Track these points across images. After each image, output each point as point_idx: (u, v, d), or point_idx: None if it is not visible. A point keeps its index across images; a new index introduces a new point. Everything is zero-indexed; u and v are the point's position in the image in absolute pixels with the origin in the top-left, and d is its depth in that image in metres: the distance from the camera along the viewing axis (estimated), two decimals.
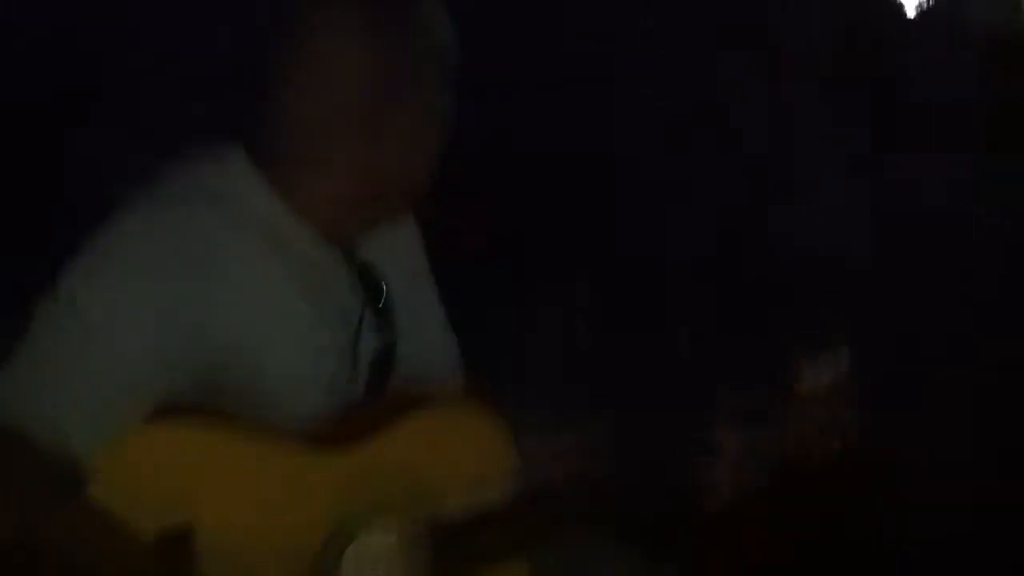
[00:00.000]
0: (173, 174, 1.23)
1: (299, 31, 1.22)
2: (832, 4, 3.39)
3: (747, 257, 3.03)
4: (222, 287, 1.16)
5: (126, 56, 2.88)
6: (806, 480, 1.42)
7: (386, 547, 1.22)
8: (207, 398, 1.18)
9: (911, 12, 3.43)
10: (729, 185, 3.10)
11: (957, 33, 3.44)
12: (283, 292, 1.21)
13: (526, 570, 1.30)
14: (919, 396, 2.67)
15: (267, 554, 1.18)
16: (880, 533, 2.54)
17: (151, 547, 1.13)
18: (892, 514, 2.58)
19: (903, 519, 2.58)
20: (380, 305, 1.32)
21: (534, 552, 1.30)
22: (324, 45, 1.20)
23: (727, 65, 3.19)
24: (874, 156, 3.20)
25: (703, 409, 1.34)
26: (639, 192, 3.09)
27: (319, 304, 1.25)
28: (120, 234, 1.16)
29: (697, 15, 3.29)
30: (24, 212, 2.67)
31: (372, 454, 1.23)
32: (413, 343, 1.36)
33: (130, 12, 2.88)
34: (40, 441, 1.09)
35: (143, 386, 1.13)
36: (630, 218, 3.05)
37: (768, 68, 3.24)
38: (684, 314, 2.94)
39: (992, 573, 2.51)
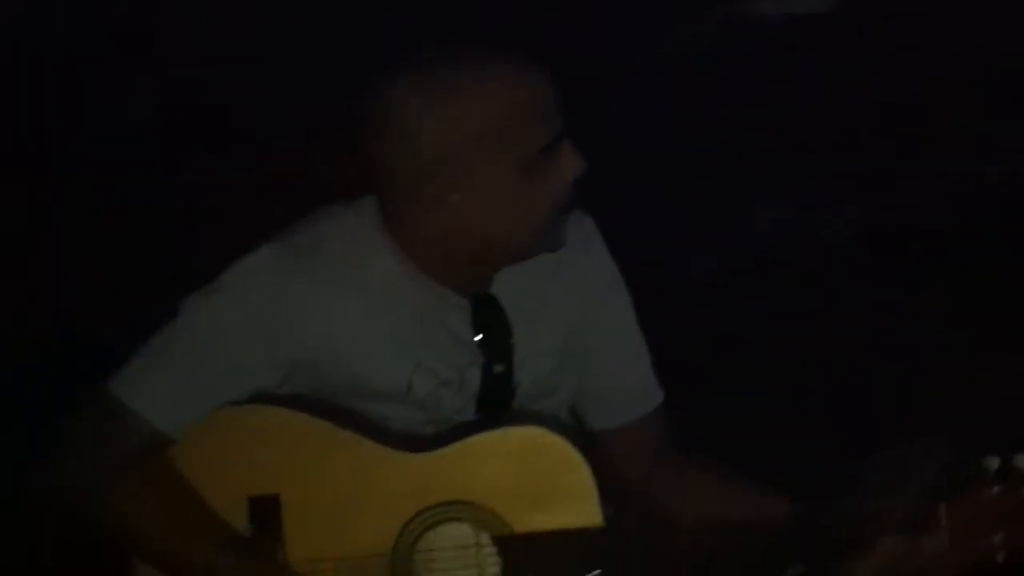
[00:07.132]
0: (305, 223, 1.40)
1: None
2: None
3: None
4: (328, 317, 1.35)
5: None
6: None
7: (460, 538, 1.34)
8: (312, 393, 1.37)
9: None
10: None
11: None
12: (384, 323, 1.37)
13: None
14: None
15: (345, 537, 1.34)
16: None
17: (223, 512, 1.33)
18: None
19: None
20: (497, 338, 1.41)
21: None
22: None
23: None
24: None
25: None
26: None
27: (424, 332, 1.37)
28: (240, 270, 1.37)
29: None
30: None
31: (447, 460, 1.36)
32: (547, 375, 1.44)
33: None
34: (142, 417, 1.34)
35: (234, 381, 1.36)
36: None
37: None
38: None
39: None
